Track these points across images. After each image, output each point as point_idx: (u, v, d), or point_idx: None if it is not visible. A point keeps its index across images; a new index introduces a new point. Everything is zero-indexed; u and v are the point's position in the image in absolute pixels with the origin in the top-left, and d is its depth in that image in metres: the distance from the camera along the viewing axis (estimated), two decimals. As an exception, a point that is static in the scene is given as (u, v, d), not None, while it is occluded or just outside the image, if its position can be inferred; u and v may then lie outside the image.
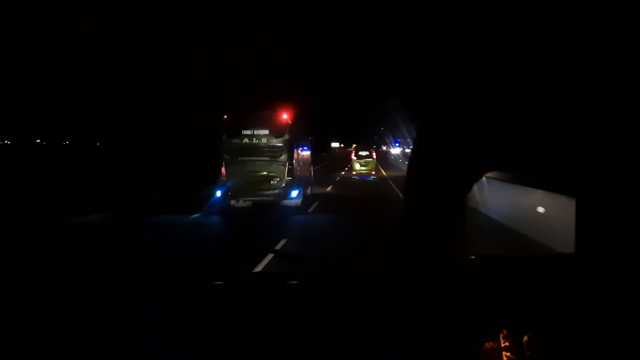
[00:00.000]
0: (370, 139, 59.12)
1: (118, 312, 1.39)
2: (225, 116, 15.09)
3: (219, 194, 14.85)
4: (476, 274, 1.18)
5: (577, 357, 0.94)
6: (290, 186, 14.68)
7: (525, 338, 0.98)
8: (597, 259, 1.02)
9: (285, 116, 14.99)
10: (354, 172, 31.09)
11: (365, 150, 33.24)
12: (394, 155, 55.66)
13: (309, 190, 17.89)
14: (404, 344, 1.13)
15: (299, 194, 15.10)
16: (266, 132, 14.65)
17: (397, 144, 59.68)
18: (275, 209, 14.67)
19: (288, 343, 1.18)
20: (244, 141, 14.66)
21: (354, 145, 38.39)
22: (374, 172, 31.06)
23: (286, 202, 14.89)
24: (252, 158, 14.62)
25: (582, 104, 0.98)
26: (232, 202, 15.08)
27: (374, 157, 33.83)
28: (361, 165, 31.33)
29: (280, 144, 14.64)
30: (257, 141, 14.72)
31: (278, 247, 9.25)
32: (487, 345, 1.02)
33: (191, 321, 1.29)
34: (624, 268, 0.95)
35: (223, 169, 14.74)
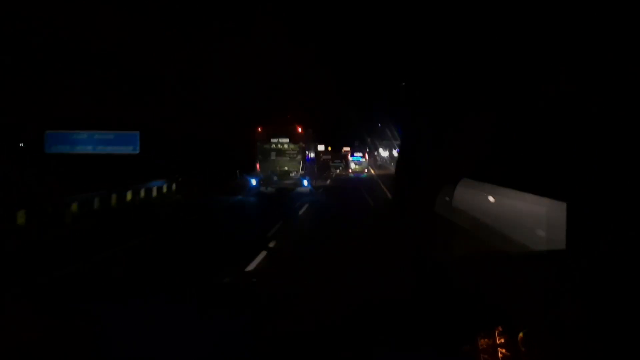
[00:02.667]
0: (360, 143, 60.76)
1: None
2: (259, 128, 20.05)
3: (254, 182, 19.90)
4: (470, 271, 1.23)
5: (571, 352, 0.92)
6: (303, 177, 19.80)
7: (521, 335, 0.97)
8: (588, 255, 1.06)
9: (300, 130, 20.20)
10: (350, 170, 37.48)
11: (359, 153, 40.33)
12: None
13: (314, 182, 22.77)
14: (407, 344, 1.11)
15: (308, 183, 20.04)
16: (287, 140, 19.92)
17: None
18: (292, 193, 19.09)
19: (302, 345, 1.13)
20: (272, 146, 19.89)
21: (344, 149, 45.49)
22: (366, 170, 37.39)
23: (300, 189, 19.62)
24: (278, 158, 19.99)
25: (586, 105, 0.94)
26: (262, 188, 19.64)
27: (367, 158, 40.25)
28: (356, 165, 38.23)
29: (297, 148, 19.94)
30: (281, 146, 19.87)
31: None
32: (483, 342, 1.02)
33: (204, 330, 1.24)
34: (614, 263, 0.98)
35: (257, 165, 19.81)
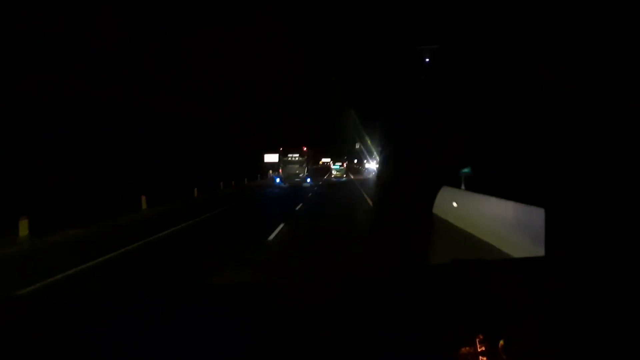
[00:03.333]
0: (361, 143, 62.71)
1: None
2: (281, 148, 34.42)
3: (278, 180, 33.62)
4: (451, 278, 1.23)
5: (568, 353, 0.92)
6: (306, 177, 33.69)
7: (501, 342, 0.97)
8: (566, 263, 1.07)
9: (305, 149, 34.15)
10: (332, 176, 49.83)
11: (339, 162, 53.36)
12: None
13: (312, 181, 36.33)
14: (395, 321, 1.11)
15: (310, 181, 33.39)
16: (297, 155, 33.88)
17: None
18: (299, 187, 31.10)
19: (291, 335, 1.14)
20: (288, 159, 34.03)
21: (323, 161, 60.56)
22: (345, 176, 49.97)
23: (304, 184, 32.80)
24: (291, 166, 33.94)
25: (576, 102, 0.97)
26: (283, 184, 33.06)
27: (345, 166, 53.45)
28: (337, 171, 50.72)
29: (302, 159, 33.94)
30: (293, 159, 33.72)
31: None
32: (464, 350, 1.00)
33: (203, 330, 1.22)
34: (592, 270, 0.99)
35: (280, 170, 33.72)
